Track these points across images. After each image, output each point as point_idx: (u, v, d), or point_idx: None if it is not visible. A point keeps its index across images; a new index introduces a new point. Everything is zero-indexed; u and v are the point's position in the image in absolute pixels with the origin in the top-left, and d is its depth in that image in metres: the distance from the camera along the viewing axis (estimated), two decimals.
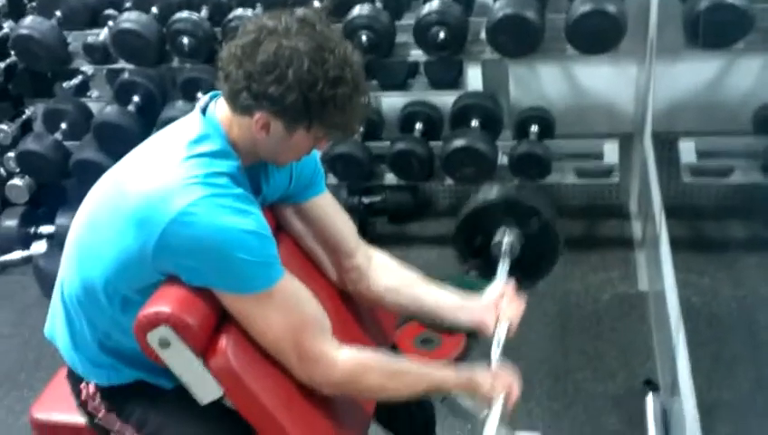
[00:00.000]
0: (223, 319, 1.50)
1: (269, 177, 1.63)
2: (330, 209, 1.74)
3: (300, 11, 1.47)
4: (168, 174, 1.44)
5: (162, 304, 1.44)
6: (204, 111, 1.54)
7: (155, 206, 1.41)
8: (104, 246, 1.49)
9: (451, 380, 1.62)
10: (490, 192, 2.14)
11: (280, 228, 1.73)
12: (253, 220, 1.45)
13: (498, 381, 1.63)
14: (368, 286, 1.76)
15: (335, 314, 1.63)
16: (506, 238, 2.00)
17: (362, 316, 1.82)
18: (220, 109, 1.53)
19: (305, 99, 1.40)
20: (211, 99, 1.57)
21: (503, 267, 1.93)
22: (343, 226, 1.76)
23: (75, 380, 1.67)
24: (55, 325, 1.68)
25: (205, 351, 1.47)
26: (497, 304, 1.76)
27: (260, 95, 1.41)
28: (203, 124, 1.51)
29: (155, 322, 1.43)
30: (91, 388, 1.65)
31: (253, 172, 1.57)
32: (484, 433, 1.55)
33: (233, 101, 1.46)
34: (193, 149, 1.47)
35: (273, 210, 1.71)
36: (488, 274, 2.05)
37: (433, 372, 1.62)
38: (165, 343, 1.44)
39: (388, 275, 1.77)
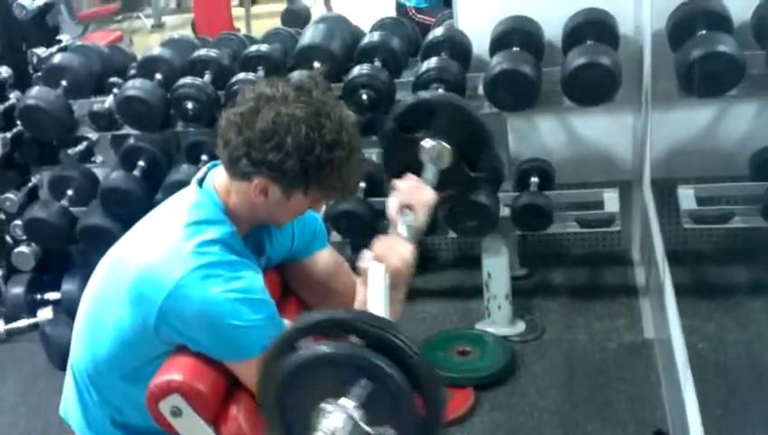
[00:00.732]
0: (233, 384, 1.52)
1: (272, 237, 1.66)
2: (333, 264, 1.78)
3: (296, 77, 1.52)
4: (162, 246, 1.48)
5: (174, 372, 1.46)
6: (201, 181, 1.58)
7: (150, 281, 1.45)
8: (111, 322, 1.53)
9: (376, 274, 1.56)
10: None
11: (288, 294, 1.76)
12: (244, 285, 1.47)
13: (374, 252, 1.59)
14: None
15: None
16: (427, 146, 1.84)
17: None
18: (218, 177, 1.57)
19: (303, 164, 1.44)
20: (209, 169, 1.61)
21: (425, 173, 1.82)
22: (347, 274, 1.78)
23: None
24: (68, 404, 1.70)
25: (216, 419, 1.48)
26: (401, 203, 1.71)
27: (259, 162, 1.45)
28: (198, 194, 1.55)
29: (167, 390, 1.45)
30: None
31: (256, 233, 1.61)
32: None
33: (232, 167, 1.50)
34: (187, 218, 1.51)
35: (281, 274, 1.74)
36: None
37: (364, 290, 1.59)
38: (177, 412, 1.45)
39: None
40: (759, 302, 3.00)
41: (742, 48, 2.77)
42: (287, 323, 1.51)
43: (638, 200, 3.31)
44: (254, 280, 1.49)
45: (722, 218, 2.98)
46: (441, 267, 3.59)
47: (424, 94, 2.36)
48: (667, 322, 2.46)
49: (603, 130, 3.33)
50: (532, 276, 3.40)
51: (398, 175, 1.82)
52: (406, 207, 1.70)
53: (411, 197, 1.72)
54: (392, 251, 1.59)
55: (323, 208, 1.64)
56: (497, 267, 3.10)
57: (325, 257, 1.76)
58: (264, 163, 1.45)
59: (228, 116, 1.49)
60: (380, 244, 1.61)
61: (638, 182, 3.29)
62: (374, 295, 1.53)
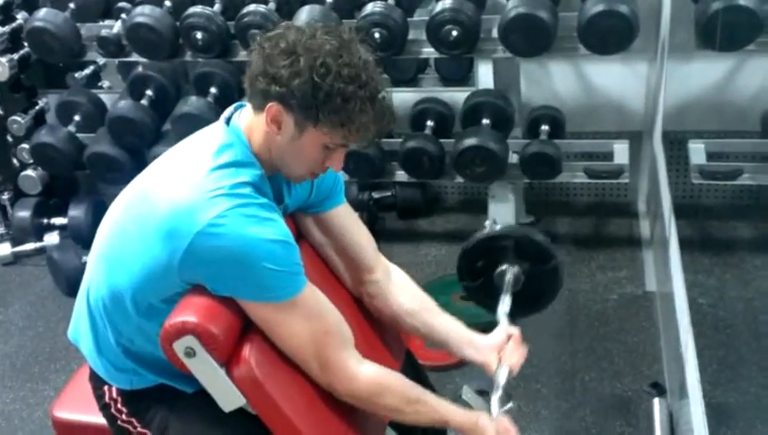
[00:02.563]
0: (246, 328, 1.53)
1: (291, 187, 1.66)
2: (349, 220, 1.77)
3: (333, 23, 1.50)
4: (194, 185, 1.47)
5: (188, 313, 1.47)
6: (228, 121, 1.57)
7: (182, 218, 1.44)
8: (132, 255, 1.53)
9: (459, 418, 1.66)
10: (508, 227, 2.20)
11: (300, 237, 1.76)
12: (277, 229, 1.48)
13: (500, 430, 1.65)
14: (385, 304, 1.80)
15: (353, 323, 1.66)
16: (510, 273, 2.00)
17: (378, 324, 1.85)
18: (243, 118, 1.56)
19: (314, 86, 1.42)
20: (236, 110, 1.60)
21: (503, 302, 1.94)
22: (362, 239, 1.79)
23: (98, 382, 1.71)
24: (79, 329, 1.71)
25: (228, 360, 1.50)
26: (501, 348, 1.78)
27: (271, 77, 1.44)
28: (226, 134, 1.55)
29: (182, 331, 1.46)
30: (114, 391, 1.68)
31: (275, 182, 1.60)
32: None
33: (251, 88, 1.49)
34: (217, 159, 1.50)
35: (293, 219, 1.74)
36: (479, 299, 2.10)
37: (445, 406, 1.66)
38: (190, 353, 1.47)
39: (406, 296, 1.81)
40: (761, 259, 3.03)
41: (762, 2, 2.73)
42: (308, 281, 1.53)
43: (647, 152, 3.30)
44: (284, 225, 1.50)
45: (731, 175, 2.98)
46: (447, 211, 3.60)
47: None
48: (670, 276, 2.48)
49: (617, 79, 3.30)
50: (538, 224, 3.41)
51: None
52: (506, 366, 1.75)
53: (515, 360, 1.77)
54: None
55: (341, 166, 1.60)
56: (503, 214, 3.11)
57: (341, 214, 1.75)
58: (276, 79, 1.44)
59: (258, 40, 1.50)
60: (504, 426, 1.66)
61: (648, 133, 3.28)
62: None
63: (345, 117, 1.45)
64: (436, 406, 1.65)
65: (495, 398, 1.71)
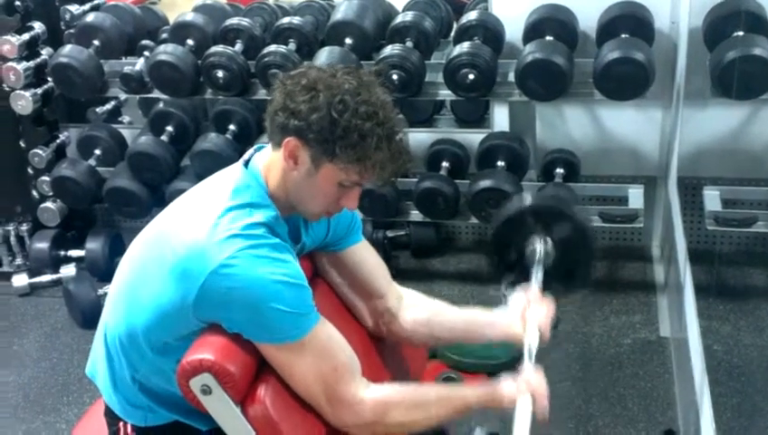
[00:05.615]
0: (262, 366, 1.55)
1: (308, 226, 1.68)
2: (365, 255, 1.79)
3: (353, 66, 1.54)
4: (208, 226, 1.49)
5: (205, 351, 1.49)
6: (247, 163, 1.60)
7: (196, 258, 1.47)
8: (148, 294, 1.55)
9: (474, 397, 1.62)
10: (519, 202, 2.11)
11: (317, 275, 1.78)
12: (288, 270, 1.49)
13: (522, 385, 1.59)
14: (401, 327, 1.80)
15: (366, 358, 1.67)
16: (539, 246, 1.94)
17: (392, 360, 1.86)
18: (262, 158, 1.59)
19: (332, 121, 1.45)
20: (255, 151, 1.63)
21: (535, 276, 1.88)
22: (376, 270, 1.80)
23: (113, 419, 1.72)
24: (96, 365, 1.73)
25: (244, 399, 1.52)
26: (524, 314, 1.75)
27: (290, 112, 1.47)
28: (243, 176, 1.58)
29: (198, 369, 1.48)
30: (129, 428, 1.69)
31: (292, 221, 1.62)
32: None
33: (271, 123, 1.52)
34: (232, 200, 1.53)
35: (311, 258, 1.76)
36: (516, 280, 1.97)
37: (455, 393, 1.65)
38: (206, 390, 1.49)
39: (417, 310, 1.81)
40: None
41: None
42: (322, 317, 1.54)
43: (661, 197, 3.31)
44: (296, 266, 1.52)
45: (745, 222, 2.98)
46: (460, 251, 3.61)
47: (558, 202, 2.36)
48: (685, 322, 2.48)
49: (631, 124, 3.32)
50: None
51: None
52: (534, 326, 1.71)
53: (541, 317, 1.73)
54: (541, 393, 1.59)
55: (356, 205, 1.62)
56: None
57: (357, 251, 1.77)
58: (295, 114, 1.47)
59: (280, 78, 1.54)
60: (528, 377, 1.60)
61: (662, 179, 3.29)
62: (520, 429, 1.53)
63: (361, 153, 1.48)
64: (445, 398, 1.62)
65: (528, 363, 1.63)
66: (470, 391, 1.64)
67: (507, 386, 1.60)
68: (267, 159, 1.58)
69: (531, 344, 1.67)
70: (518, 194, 2.17)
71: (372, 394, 1.57)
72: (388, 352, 1.86)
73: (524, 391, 1.58)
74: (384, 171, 1.52)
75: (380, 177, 1.53)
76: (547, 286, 1.85)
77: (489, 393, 1.62)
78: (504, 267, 1.99)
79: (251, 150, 1.64)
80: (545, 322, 1.73)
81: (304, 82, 1.49)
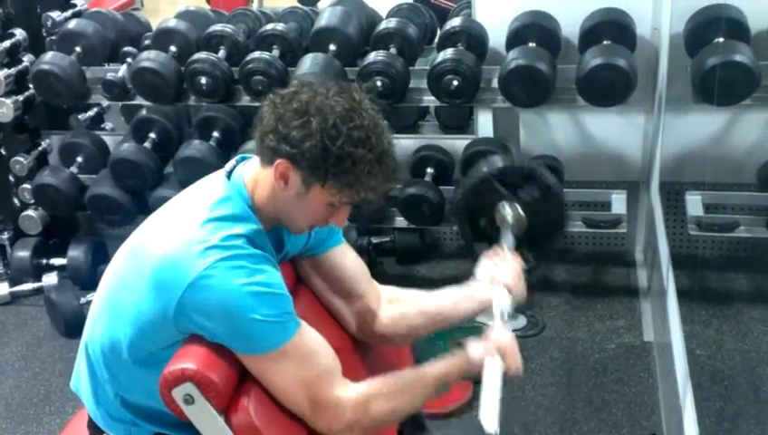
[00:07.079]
0: (244, 375, 1.54)
1: (290, 234, 1.67)
2: (345, 257, 1.78)
3: (345, 83, 1.54)
4: (186, 237, 1.49)
5: (187, 360, 1.48)
6: (229, 174, 1.59)
7: (174, 270, 1.47)
8: (130, 305, 1.54)
9: (449, 367, 1.61)
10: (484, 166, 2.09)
11: (299, 281, 1.77)
12: (267, 279, 1.48)
13: (489, 345, 1.59)
14: (381, 322, 1.78)
15: (350, 363, 1.66)
16: (508, 209, 1.94)
17: (377, 365, 1.85)
18: (248, 170, 1.58)
19: (324, 149, 1.45)
20: (238, 163, 1.62)
21: (506, 239, 1.87)
22: (356, 271, 1.79)
23: (95, 431, 1.71)
24: (80, 380, 1.72)
25: (227, 408, 1.50)
26: (492, 277, 1.75)
27: (282, 137, 1.46)
28: (225, 187, 1.56)
29: (180, 378, 1.47)
30: None
31: (276, 232, 1.62)
32: (482, 404, 1.51)
33: (260, 143, 1.51)
34: (212, 212, 1.52)
35: (293, 264, 1.75)
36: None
37: (430, 369, 1.62)
38: (189, 400, 1.47)
39: (393, 304, 1.80)
40: (758, 311, 3.03)
41: (757, 58, 2.78)
42: (303, 323, 1.53)
43: (644, 202, 3.33)
44: (275, 275, 1.51)
45: (727, 227, 3.00)
46: (445, 257, 3.61)
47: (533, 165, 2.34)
48: (668, 327, 2.49)
49: (614, 130, 3.35)
50: (535, 272, 3.41)
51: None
52: (502, 286, 1.71)
53: (508, 275, 1.73)
54: (510, 349, 1.59)
55: (344, 222, 1.62)
56: None
57: (337, 253, 1.76)
58: (287, 139, 1.46)
59: (271, 97, 1.52)
60: (495, 337, 1.60)
61: (645, 184, 3.31)
62: (489, 390, 1.53)
63: (353, 179, 1.48)
64: (424, 373, 1.61)
65: (496, 321, 1.63)
66: (443, 363, 1.62)
67: (475, 349, 1.60)
68: (254, 174, 1.56)
69: (500, 303, 1.66)
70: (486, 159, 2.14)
71: (350, 393, 1.56)
72: (372, 356, 1.85)
73: (492, 351, 1.58)
74: (375, 193, 1.52)
75: (372, 198, 1.53)
76: (519, 248, 1.85)
77: (462, 360, 1.61)
78: (475, 237, 1.96)
79: (233, 161, 1.62)
80: (514, 277, 1.74)
81: (296, 106, 1.47)
